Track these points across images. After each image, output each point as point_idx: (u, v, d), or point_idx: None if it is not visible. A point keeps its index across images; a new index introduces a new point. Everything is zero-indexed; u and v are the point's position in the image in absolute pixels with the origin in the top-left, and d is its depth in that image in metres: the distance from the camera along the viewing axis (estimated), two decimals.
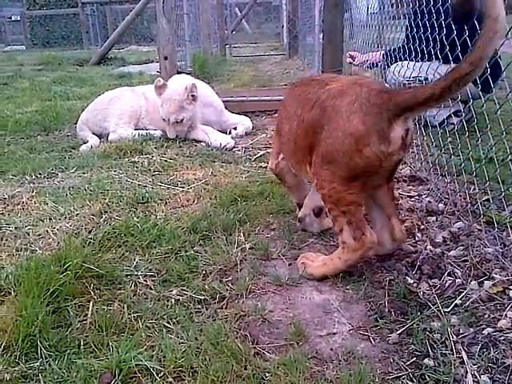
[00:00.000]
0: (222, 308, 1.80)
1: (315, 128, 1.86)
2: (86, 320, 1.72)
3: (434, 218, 2.27)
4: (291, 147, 2.06)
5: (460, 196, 2.38)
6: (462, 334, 1.56)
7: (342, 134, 1.75)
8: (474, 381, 1.37)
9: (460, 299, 1.72)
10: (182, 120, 4.00)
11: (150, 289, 1.92)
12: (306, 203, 2.33)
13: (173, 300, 1.84)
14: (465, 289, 1.76)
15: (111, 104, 4.33)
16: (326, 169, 1.82)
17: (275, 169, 2.36)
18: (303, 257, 2.03)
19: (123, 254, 2.17)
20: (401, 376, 1.44)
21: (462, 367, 1.43)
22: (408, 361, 1.49)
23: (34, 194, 2.83)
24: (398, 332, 1.61)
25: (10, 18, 25.72)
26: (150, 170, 3.28)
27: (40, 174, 3.25)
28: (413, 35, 3.42)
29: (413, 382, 1.41)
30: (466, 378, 1.39)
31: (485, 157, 2.29)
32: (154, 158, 3.48)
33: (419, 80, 3.55)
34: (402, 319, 1.67)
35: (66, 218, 2.50)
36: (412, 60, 3.47)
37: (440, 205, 2.40)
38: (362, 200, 1.88)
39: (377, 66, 4.31)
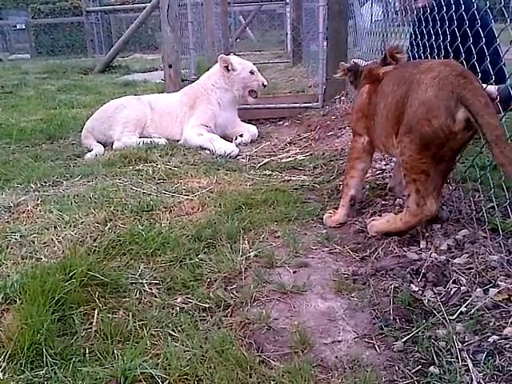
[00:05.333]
0: (226, 316, 1.80)
1: (404, 99, 2.09)
2: (91, 328, 1.73)
3: (438, 226, 2.26)
4: (383, 121, 2.26)
5: (465, 203, 2.37)
6: (468, 341, 1.56)
7: (418, 103, 1.99)
8: None
9: (465, 307, 1.71)
10: None
11: (155, 297, 1.93)
12: (395, 174, 2.61)
13: (178, 308, 1.85)
14: (470, 296, 1.76)
15: (116, 112, 4.35)
16: (407, 136, 2.06)
17: (366, 144, 2.49)
18: (372, 220, 2.35)
19: (128, 262, 2.17)
20: None
21: (468, 375, 1.42)
22: (413, 369, 1.49)
23: (39, 202, 2.84)
24: (403, 340, 1.61)
25: (15, 27, 25.83)
26: (154, 178, 3.29)
27: (45, 182, 3.26)
28: (417, 42, 3.42)
29: None
30: None
31: (489, 164, 2.28)
32: (159, 166, 3.48)
33: None
34: (406, 327, 1.67)
35: (70, 226, 2.51)
36: None
37: (444, 211, 2.40)
38: (431, 172, 2.09)
39: None
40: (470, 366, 1.45)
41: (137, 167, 3.51)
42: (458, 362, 1.47)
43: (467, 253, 2.01)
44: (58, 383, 1.48)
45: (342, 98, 4.93)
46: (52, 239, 2.37)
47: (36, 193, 3.03)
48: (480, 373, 1.42)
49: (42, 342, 1.59)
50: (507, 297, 1.72)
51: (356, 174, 2.53)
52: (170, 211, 2.74)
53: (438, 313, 1.70)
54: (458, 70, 1.97)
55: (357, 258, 2.17)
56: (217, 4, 9.89)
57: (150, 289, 1.98)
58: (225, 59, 4.42)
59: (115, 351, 1.60)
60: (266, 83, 4.54)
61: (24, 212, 2.73)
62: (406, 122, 2.06)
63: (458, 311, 1.70)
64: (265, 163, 3.68)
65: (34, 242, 2.35)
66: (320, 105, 5.11)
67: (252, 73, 4.48)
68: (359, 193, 2.58)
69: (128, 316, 1.80)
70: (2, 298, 1.85)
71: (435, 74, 1.98)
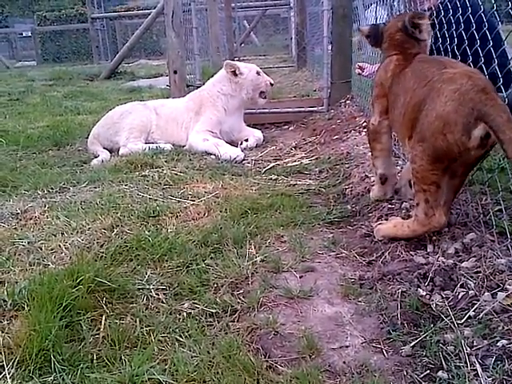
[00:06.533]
0: (233, 321, 1.80)
1: (420, 104, 2.04)
2: (98, 334, 1.73)
3: (445, 229, 2.26)
4: (400, 119, 2.23)
5: (472, 206, 2.36)
6: (476, 346, 1.55)
7: (435, 115, 1.94)
8: None
9: (473, 311, 1.70)
10: None
11: (162, 302, 1.93)
12: (403, 175, 2.59)
13: (185, 313, 1.85)
14: (478, 300, 1.75)
15: (122, 118, 4.37)
16: (419, 145, 2.02)
17: (377, 125, 2.49)
18: (378, 224, 2.34)
19: (135, 268, 2.17)
20: None
21: (477, 380, 1.42)
22: (422, 373, 1.48)
23: (46, 208, 2.85)
24: (411, 344, 1.60)
25: (21, 34, 26.06)
26: (160, 183, 3.30)
27: (52, 188, 3.27)
28: None
29: None
30: None
31: (497, 166, 2.28)
32: (165, 172, 3.49)
33: None
34: (414, 331, 1.66)
35: (77, 232, 2.52)
36: None
37: (452, 215, 2.39)
38: (442, 183, 2.04)
39: None
40: (479, 370, 1.44)
41: (143, 173, 3.51)
42: (467, 367, 1.47)
43: (475, 256, 2.00)
44: None
45: (347, 102, 4.94)
46: (59, 245, 2.38)
47: (43, 199, 3.04)
48: (489, 377, 1.41)
49: (50, 349, 1.60)
50: None
51: (378, 154, 2.58)
52: (177, 216, 2.74)
53: (446, 317, 1.70)
54: (481, 84, 1.91)
55: (363, 263, 2.16)
56: (221, 9, 9.93)
57: (157, 294, 1.98)
58: (231, 64, 4.43)
59: (123, 357, 1.60)
60: (272, 82, 4.57)
61: (31, 218, 2.74)
62: (420, 131, 2.02)
63: (467, 315, 1.69)
64: (270, 168, 3.68)
65: (41, 249, 2.36)
66: (325, 109, 5.11)
67: (258, 73, 4.50)
68: (388, 169, 2.58)
69: (135, 322, 1.80)
70: (11, 304, 1.86)
71: (456, 86, 1.91)
